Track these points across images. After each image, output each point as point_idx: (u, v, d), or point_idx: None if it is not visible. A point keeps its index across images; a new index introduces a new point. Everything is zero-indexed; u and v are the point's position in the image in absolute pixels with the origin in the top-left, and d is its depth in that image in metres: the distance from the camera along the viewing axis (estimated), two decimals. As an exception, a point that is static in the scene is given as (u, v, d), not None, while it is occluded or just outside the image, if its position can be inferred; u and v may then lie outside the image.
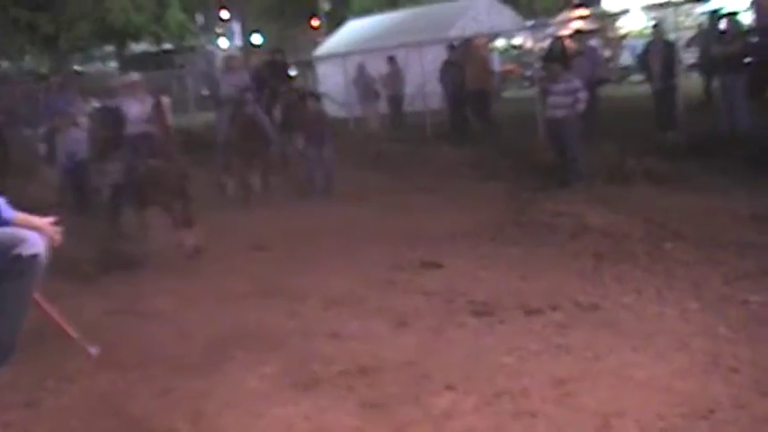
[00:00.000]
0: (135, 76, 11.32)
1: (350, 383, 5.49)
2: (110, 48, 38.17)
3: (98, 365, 6.16)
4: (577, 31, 19.27)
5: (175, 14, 34.26)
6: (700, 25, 22.91)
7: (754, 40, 15.95)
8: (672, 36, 14.93)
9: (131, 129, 9.73)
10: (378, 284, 7.76)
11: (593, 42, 18.17)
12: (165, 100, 9.76)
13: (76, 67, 37.47)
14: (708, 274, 7.14)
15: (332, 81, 22.36)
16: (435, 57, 18.96)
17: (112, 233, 9.90)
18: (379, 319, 6.76)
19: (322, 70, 25.35)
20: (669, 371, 5.21)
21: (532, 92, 17.01)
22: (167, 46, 37.58)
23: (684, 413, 4.63)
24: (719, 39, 14.50)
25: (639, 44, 27.28)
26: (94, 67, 39.97)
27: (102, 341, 6.43)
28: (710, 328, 5.88)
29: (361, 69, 20.95)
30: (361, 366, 5.74)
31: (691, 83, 17.37)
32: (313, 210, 11.49)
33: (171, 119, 9.90)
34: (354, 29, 28.17)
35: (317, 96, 14.35)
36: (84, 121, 14.28)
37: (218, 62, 31.84)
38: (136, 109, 9.83)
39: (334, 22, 34.71)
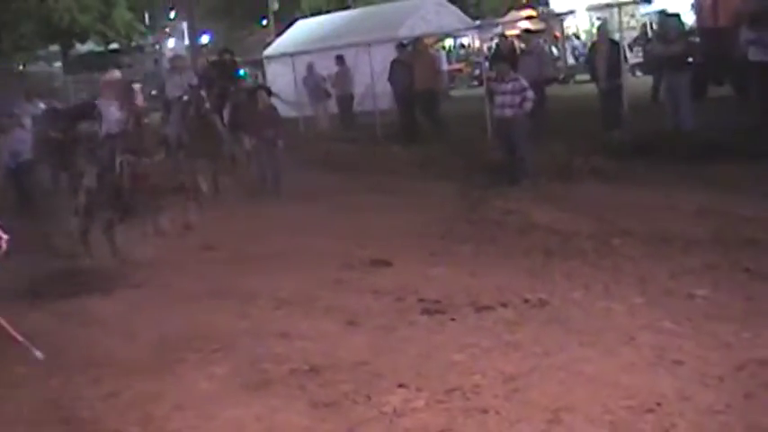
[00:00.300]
0: (116, 74, 10.66)
1: (301, 383, 5.49)
2: (55, 47, 37.53)
3: (45, 370, 6.09)
4: (525, 31, 19.45)
5: (122, 14, 33.83)
6: (643, 26, 23.31)
7: (696, 40, 16.27)
8: (616, 36, 15.13)
9: (110, 129, 9.39)
10: (328, 284, 7.76)
11: (541, 42, 18.33)
12: (137, 86, 9.42)
13: (20, 67, 36.81)
14: (654, 270, 7.25)
15: (281, 81, 22.22)
16: (384, 56, 18.97)
17: (82, 240, 9.45)
18: (329, 319, 6.76)
19: (271, 70, 25.21)
20: (617, 365, 5.29)
21: (481, 91, 17.10)
22: (114, 46, 37.09)
23: (632, 406, 4.70)
24: (663, 39, 14.74)
25: (579, 44, 27.74)
26: (39, 67, 39.28)
27: (50, 345, 6.36)
28: (656, 323, 5.98)
29: (310, 69, 20.89)
30: (312, 366, 5.75)
31: (636, 82, 17.63)
32: (263, 210, 11.43)
33: (142, 102, 9.57)
34: (304, 28, 28.07)
35: (267, 90, 14.21)
36: (28, 121, 14.07)
37: (165, 62, 31.54)
38: (115, 109, 9.45)
39: (284, 21, 34.55)
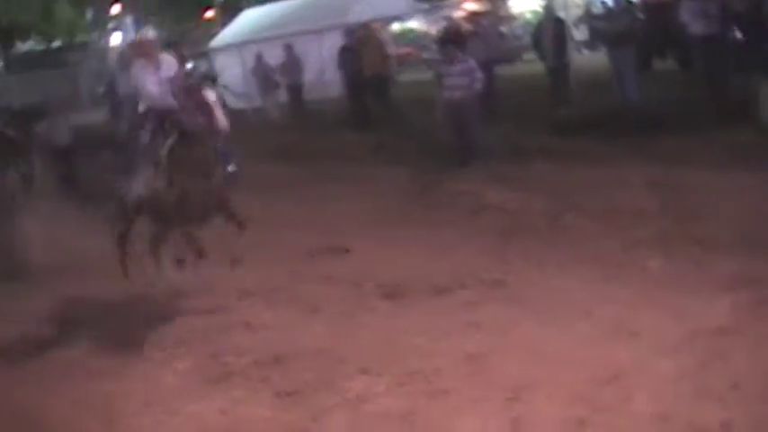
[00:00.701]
0: (150, 33, 8.09)
1: (264, 374, 5.51)
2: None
3: (10, 378, 6.03)
4: (472, 13, 19.51)
5: (64, 11, 33.27)
6: (588, 3, 23.49)
7: (640, 16, 16.46)
8: (562, 14, 15.24)
9: (153, 104, 7.31)
10: (288, 273, 7.75)
11: (487, 23, 18.38)
12: (210, 95, 7.05)
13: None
14: (607, 243, 7.36)
15: (230, 72, 22.06)
16: (333, 43, 18.92)
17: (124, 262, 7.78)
18: (291, 308, 6.78)
19: (219, 61, 25.01)
20: (574, 340, 5.37)
21: (431, 75, 17.15)
22: (58, 43, 36.54)
23: (590, 380, 4.79)
24: (607, 15, 14.93)
25: (517, 26, 27.98)
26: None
27: (14, 351, 6.30)
28: (612, 296, 6.08)
29: (258, 59, 20.76)
30: (274, 356, 5.76)
31: (582, 59, 17.80)
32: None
33: (222, 120, 6.98)
34: (250, 18, 27.85)
35: (212, 79, 14.08)
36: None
37: (112, 58, 31.14)
38: (152, 81, 7.31)
39: (230, 12, 34.22)
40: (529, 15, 28.83)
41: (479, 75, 11.89)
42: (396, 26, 30.50)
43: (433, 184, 10.83)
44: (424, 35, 25.59)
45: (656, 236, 7.37)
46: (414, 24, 31.03)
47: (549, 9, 15.44)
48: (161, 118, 7.09)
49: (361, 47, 17.20)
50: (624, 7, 14.63)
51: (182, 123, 6.85)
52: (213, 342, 6.22)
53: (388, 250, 8.12)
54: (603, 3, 17.05)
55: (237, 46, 22.46)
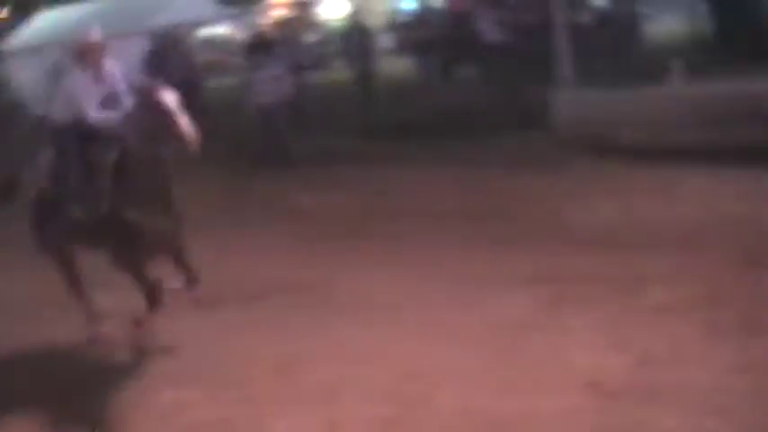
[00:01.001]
0: (95, 34, 6.66)
1: (68, 389, 5.29)
2: None
3: None
4: (279, 20, 19.58)
5: None
6: (394, 12, 24.12)
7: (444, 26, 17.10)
8: (367, 22, 15.57)
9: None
10: (93, 286, 7.44)
11: (295, 30, 18.52)
12: (169, 96, 5.85)
13: None
14: (414, 244, 7.60)
15: (27, 76, 21.04)
16: (140, 48, 18.45)
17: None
18: (98, 323, 6.52)
19: (15, 65, 23.79)
20: (383, 340, 5.51)
21: (239, 80, 17.06)
22: None
23: (399, 378, 4.93)
24: (413, 24, 15.40)
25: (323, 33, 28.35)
26: None
27: None
28: (418, 295, 6.27)
29: (55, 64, 19.89)
30: (80, 372, 5.56)
31: (390, 66, 18.21)
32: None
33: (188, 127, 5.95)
34: (48, 20, 26.64)
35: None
36: None
37: None
38: (92, 95, 6.25)
39: (23, 13, 32.53)
40: (335, 23, 29.21)
41: (287, 81, 11.98)
42: (203, 32, 30.12)
43: (246, 189, 10.77)
44: (232, 41, 25.38)
45: (460, 236, 7.68)
46: (221, 30, 30.74)
47: (354, 17, 15.75)
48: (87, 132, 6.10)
49: (168, 52, 16.89)
50: (430, 16, 15.15)
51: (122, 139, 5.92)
52: (16, 364, 5.92)
53: (197, 258, 7.97)
54: (409, 12, 17.57)
55: (36, 49, 21.42)
